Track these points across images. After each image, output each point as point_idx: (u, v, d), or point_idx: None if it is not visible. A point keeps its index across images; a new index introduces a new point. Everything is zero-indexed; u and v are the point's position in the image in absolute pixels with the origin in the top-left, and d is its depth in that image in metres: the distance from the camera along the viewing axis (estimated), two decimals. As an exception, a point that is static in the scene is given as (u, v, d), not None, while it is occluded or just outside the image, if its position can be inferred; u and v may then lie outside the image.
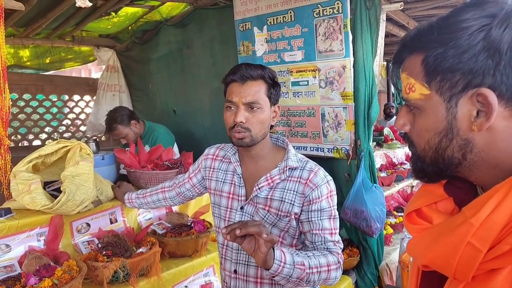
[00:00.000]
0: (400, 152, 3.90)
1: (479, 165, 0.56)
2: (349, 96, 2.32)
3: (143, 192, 1.63)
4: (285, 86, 2.60)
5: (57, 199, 1.65)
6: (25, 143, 4.07)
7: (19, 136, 4.00)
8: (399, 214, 3.11)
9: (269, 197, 1.19)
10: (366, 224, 2.26)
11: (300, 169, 1.20)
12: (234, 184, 1.25)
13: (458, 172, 0.58)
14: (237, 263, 1.23)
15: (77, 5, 1.96)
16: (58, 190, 1.74)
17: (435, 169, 0.59)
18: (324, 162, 2.60)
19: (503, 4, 0.52)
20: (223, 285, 1.33)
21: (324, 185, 1.17)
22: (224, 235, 0.95)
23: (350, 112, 2.34)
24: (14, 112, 3.84)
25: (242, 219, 1.21)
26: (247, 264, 1.22)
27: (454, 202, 0.62)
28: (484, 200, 0.50)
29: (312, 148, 2.58)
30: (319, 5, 2.31)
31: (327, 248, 1.17)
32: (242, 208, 1.22)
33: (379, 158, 3.51)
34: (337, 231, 1.21)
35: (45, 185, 1.80)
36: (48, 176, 1.88)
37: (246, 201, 1.22)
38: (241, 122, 1.15)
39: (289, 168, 1.20)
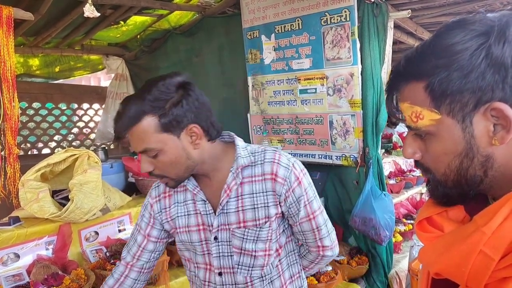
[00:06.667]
0: (409, 159, 3.85)
1: (498, 180, 0.56)
2: (357, 103, 2.31)
3: None
4: (293, 93, 2.60)
5: (65, 207, 1.66)
6: (35, 152, 4.11)
7: (28, 145, 4.04)
8: (408, 221, 3.06)
9: (239, 209, 1.04)
10: (375, 232, 2.23)
11: (260, 163, 1.04)
12: (200, 213, 1.07)
13: (480, 190, 0.58)
14: None
15: (85, 15, 1.99)
16: (66, 199, 1.75)
17: (458, 191, 0.59)
18: (332, 169, 2.59)
19: (489, 21, 0.53)
20: None
21: (291, 173, 1.04)
22: None
23: (358, 119, 2.32)
24: (24, 121, 3.88)
25: (220, 250, 1.07)
26: None
27: (465, 211, 0.61)
28: (496, 208, 0.50)
29: (320, 156, 2.57)
30: (326, 13, 2.31)
31: (314, 238, 1.11)
32: (216, 238, 1.06)
33: (388, 165, 3.47)
34: (322, 209, 1.11)
35: (53, 193, 1.81)
36: (56, 184, 1.89)
37: (216, 229, 1.06)
38: (149, 172, 1.00)
39: (242, 168, 1.04)
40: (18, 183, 1.74)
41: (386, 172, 3.28)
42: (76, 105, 4.40)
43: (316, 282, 2.10)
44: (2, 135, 1.93)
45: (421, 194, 3.62)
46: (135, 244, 1.15)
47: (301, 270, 1.20)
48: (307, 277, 2.11)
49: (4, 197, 1.80)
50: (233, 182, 1.04)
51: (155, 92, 0.94)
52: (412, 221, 3.06)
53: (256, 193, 1.04)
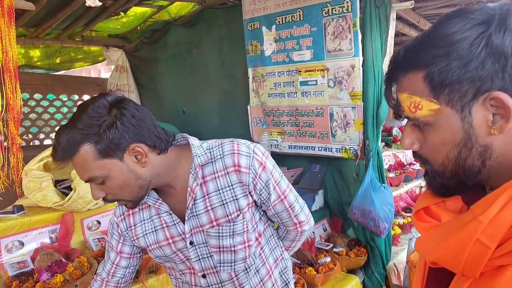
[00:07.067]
0: (409, 153, 3.87)
1: (496, 170, 0.56)
2: (358, 95, 2.31)
3: None
4: (293, 85, 2.60)
5: (68, 196, 1.68)
6: (36, 143, 4.13)
7: (30, 136, 4.06)
8: (408, 214, 3.09)
9: (208, 209, 1.02)
10: (374, 224, 2.25)
11: (220, 158, 1.01)
12: (167, 226, 1.04)
13: (478, 181, 0.58)
14: None
15: (87, 4, 1.98)
16: (69, 188, 1.77)
17: (456, 182, 0.59)
18: (332, 162, 2.60)
19: (489, 10, 0.53)
20: None
21: (254, 160, 1.00)
22: None
23: (358, 112, 2.33)
24: (25, 112, 3.89)
25: (199, 253, 1.05)
26: None
27: (462, 200, 0.62)
28: (493, 198, 0.51)
29: (320, 148, 2.58)
30: (328, 4, 2.31)
31: (290, 216, 1.11)
32: (191, 243, 1.04)
33: (387, 158, 3.49)
34: (290, 187, 1.11)
35: (56, 183, 1.83)
36: (59, 174, 1.91)
37: (190, 233, 1.03)
38: (101, 198, 0.97)
39: (201, 167, 1.01)
40: (21, 173, 1.76)
41: (385, 165, 3.30)
42: (77, 97, 4.41)
43: (315, 273, 2.12)
44: (5, 126, 1.94)
45: (421, 187, 3.63)
46: (109, 260, 1.13)
47: (283, 251, 1.20)
48: (300, 267, 2.14)
49: (7, 186, 1.81)
50: (194, 183, 1.00)
51: (86, 119, 0.88)
52: (411, 214, 3.08)
53: (222, 189, 1.01)
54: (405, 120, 0.64)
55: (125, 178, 0.93)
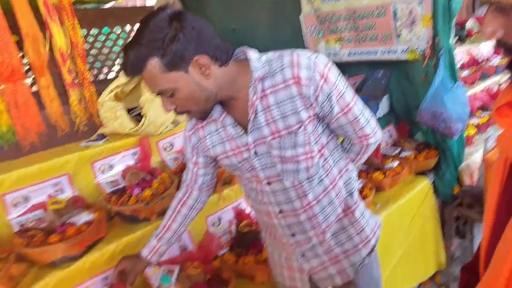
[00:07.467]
0: (486, 47, 3.46)
1: None
2: (426, -15, 2.03)
3: (160, 230, 1.29)
4: (350, -17, 2.34)
5: (141, 122, 1.80)
6: (101, 77, 4.37)
7: (96, 71, 4.29)
8: (484, 114, 2.87)
9: (269, 121, 1.03)
10: (445, 126, 2.13)
11: (280, 70, 1.00)
12: (232, 137, 1.09)
13: None
14: (279, 204, 1.15)
15: None
16: (139, 115, 1.90)
17: None
18: (396, 65, 2.42)
19: None
20: (268, 231, 1.27)
21: (315, 72, 0.98)
22: None
23: (427, 5, 2.06)
24: (87, 48, 4.06)
25: (263, 163, 1.10)
26: (290, 201, 1.14)
27: None
28: None
29: (383, 52, 2.39)
30: None
31: (354, 130, 1.10)
32: (256, 153, 1.08)
33: (460, 55, 3.16)
34: (355, 99, 1.07)
35: (128, 111, 1.96)
36: (129, 103, 2.03)
37: (253, 144, 1.07)
38: (172, 110, 1.02)
39: (261, 80, 1.01)
40: (97, 104, 1.90)
41: (458, 64, 3.00)
42: (129, 27, 4.46)
43: (382, 176, 2.14)
44: (73, 63, 2.06)
45: (499, 84, 3.30)
46: (189, 170, 1.26)
47: (347, 163, 1.20)
48: (367, 172, 2.16)
49: (88, 118, 2.00)
50: (254, 97, 1.01)
51: (148, 34, 0.90)
52: (487, 113, 2.86)
53: (282, 102, 1.01)
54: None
55: (191, 90, 0.97)
